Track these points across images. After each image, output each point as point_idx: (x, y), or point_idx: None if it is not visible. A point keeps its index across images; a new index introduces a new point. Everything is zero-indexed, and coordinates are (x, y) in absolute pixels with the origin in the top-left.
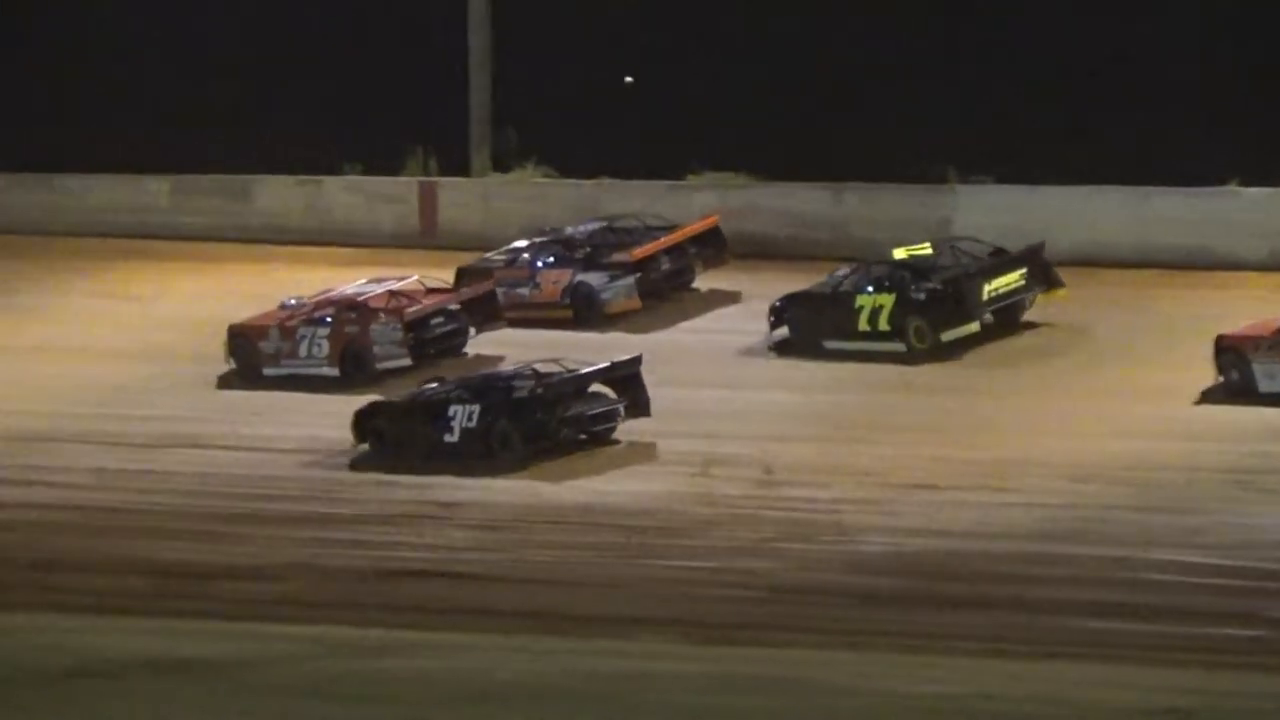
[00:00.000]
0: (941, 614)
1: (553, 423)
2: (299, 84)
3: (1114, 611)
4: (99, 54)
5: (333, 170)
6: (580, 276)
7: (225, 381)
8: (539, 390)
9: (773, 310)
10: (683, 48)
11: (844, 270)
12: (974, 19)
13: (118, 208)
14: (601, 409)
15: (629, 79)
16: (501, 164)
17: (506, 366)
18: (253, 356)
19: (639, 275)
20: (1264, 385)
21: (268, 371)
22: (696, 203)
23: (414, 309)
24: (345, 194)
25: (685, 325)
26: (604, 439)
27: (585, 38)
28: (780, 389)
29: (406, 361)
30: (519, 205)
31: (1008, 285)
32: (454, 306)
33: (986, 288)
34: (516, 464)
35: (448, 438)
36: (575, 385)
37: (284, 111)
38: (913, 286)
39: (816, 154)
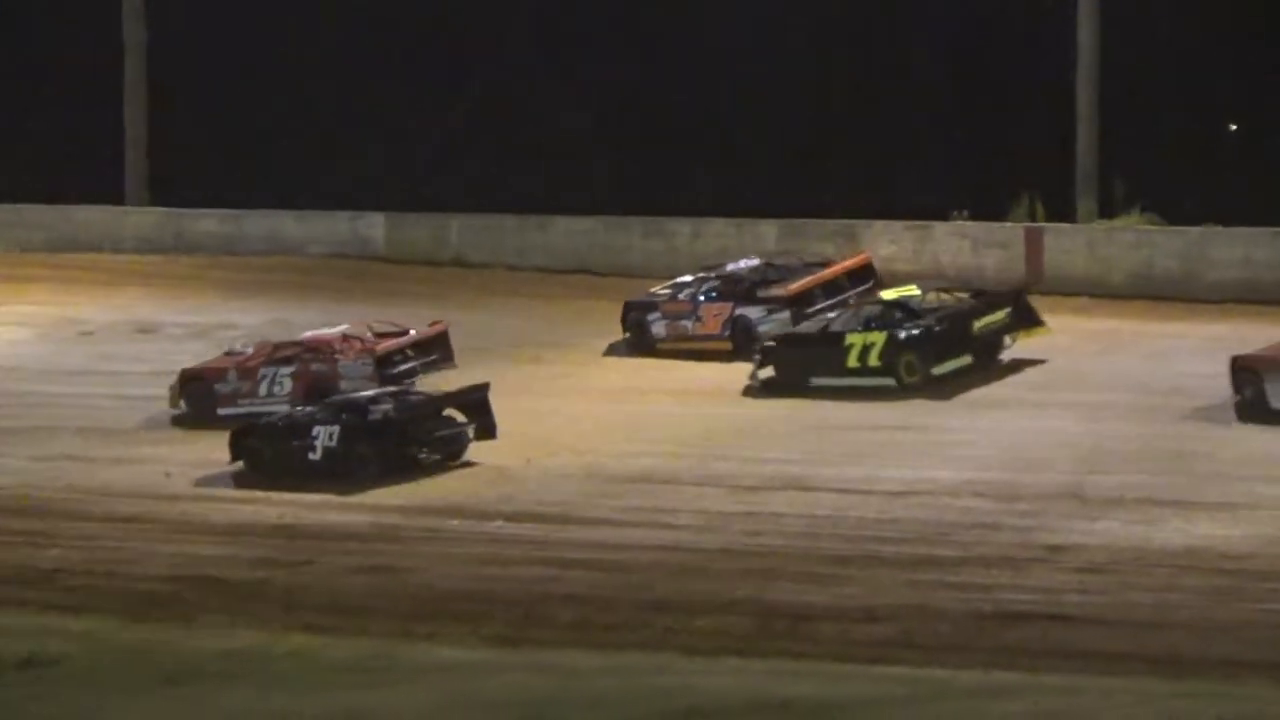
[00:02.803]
0: None
1: (406, 444)
2: (914, 134)
3: None
4: (711, 102)
5: (942, 216)
6: (740, 310)
7: (821, 424)
8: (393, 413)
9: (761, 350)
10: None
11: (832, 313)
12: None
13: (726, 251)
14: (451, 431)
15: (1233, 127)
16: (1108, 211)
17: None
18: (208, 398)
19: (794, 309)
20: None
21: (222, 411)
22: None
23: (384, 345)
24: (953, 239)
25: None
26: (455, 459)
27: (1190, 87)
28: None
29: None
30: (1123, 252)
31: (994, 323)
32: (408, 347)
33: (976, 325)
34: (372, 481)
35: (312, 456)
36: (428, 409)
37: (898, 160)
38: (904, 324)
39: None
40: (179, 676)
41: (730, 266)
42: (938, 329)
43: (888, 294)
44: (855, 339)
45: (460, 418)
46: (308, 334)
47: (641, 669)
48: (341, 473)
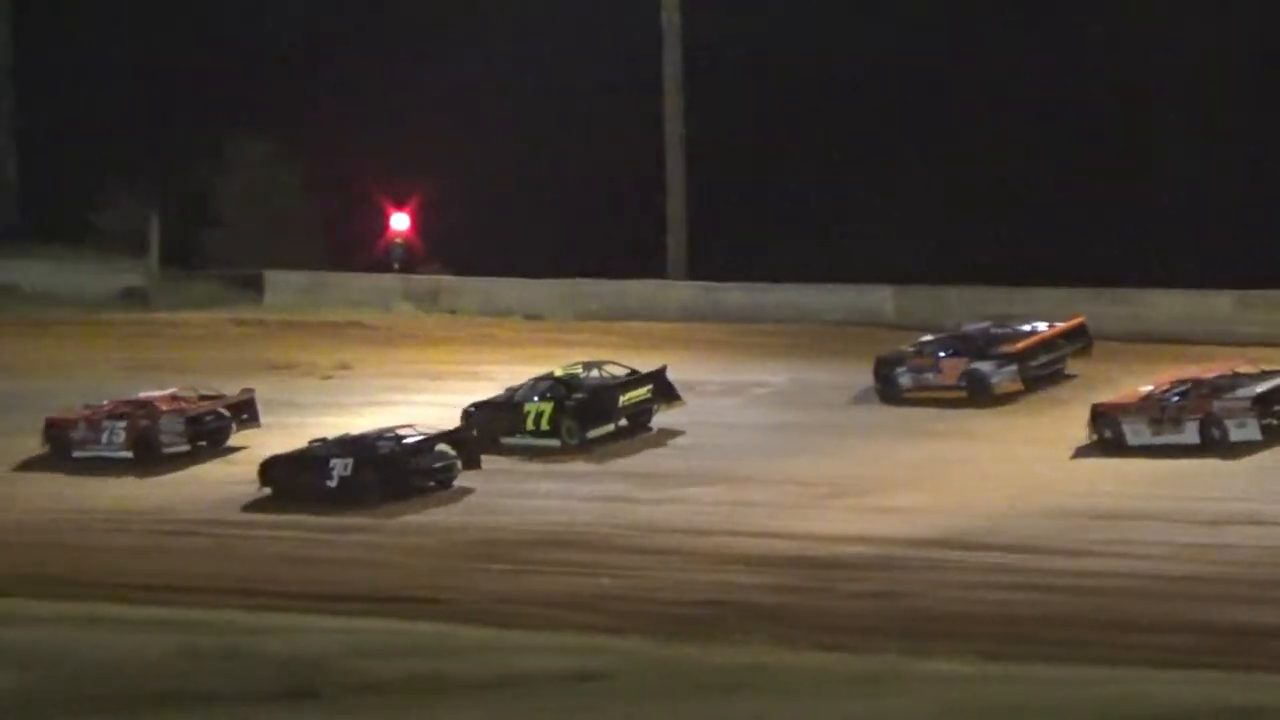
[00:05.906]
0: None
1: (406, 473)
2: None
3: None
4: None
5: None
6: (974, 364)
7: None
8: (395, 449)
9: (464, 414)
10: None
11: (516, 385)
12: None
13: (1182, 318)
14: (443, 463)
15: None
16: None
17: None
18: (64, 443)
19: (1021, 364)
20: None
21: (76, 454)
22: None
23: (194, 409)
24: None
25: None
26: (447, 486)
27: None
28: None
29: (186, 447)
30: None
31: (638, 397)
32: (222, 409)
33: (622, 398)
34: (377, 504)
35: (329, 484)
36: (423, 445)
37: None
38: (566, 397)
39: None
40: (700, 689)
41: (964, 328)
42: (591, 401)
43: (557, 371)
44: (531, 408)
45: (451, 451)
46: (141, 394)
47: (1099, 681)
48: (354, 497)
